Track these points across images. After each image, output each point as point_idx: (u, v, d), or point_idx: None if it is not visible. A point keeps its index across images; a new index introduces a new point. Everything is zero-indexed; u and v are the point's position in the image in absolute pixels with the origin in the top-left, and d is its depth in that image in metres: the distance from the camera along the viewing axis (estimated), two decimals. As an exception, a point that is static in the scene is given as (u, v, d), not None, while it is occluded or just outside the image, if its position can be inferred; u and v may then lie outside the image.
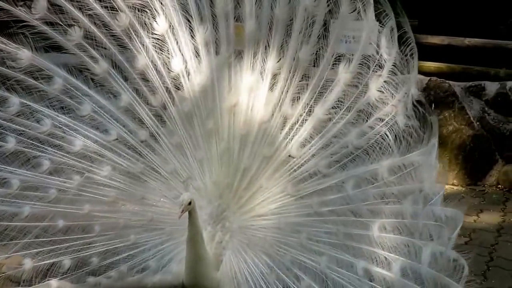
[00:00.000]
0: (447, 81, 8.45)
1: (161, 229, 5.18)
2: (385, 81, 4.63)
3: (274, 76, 5.01)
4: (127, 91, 5.30)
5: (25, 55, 5.30)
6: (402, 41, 4.52)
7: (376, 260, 4.60)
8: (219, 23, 5.11)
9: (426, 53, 7.43)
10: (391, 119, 4.64)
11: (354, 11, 4.70)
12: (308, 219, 4.89)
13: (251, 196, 5.04)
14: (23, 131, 5.33)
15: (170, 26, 5.22)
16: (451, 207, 4.46)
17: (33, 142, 5.34)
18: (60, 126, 5.34)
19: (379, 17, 4.57)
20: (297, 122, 4.97)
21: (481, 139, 8.70)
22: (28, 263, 5.23)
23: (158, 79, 5.25)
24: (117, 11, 5.26)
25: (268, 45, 5.01)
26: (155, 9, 5.22)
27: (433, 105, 8.07)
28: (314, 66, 4.91)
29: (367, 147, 4.75)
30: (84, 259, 5.25)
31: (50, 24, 5.33)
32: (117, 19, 5.27)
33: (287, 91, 4.98)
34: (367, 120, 4.75)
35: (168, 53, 5.23)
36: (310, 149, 4.93)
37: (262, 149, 5.03)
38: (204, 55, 5.16)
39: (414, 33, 4.62)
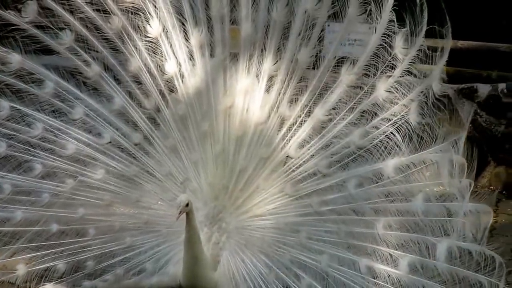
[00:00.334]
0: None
1: (157, 231, 5.18)
2: (396, 81, 4.66)
3: (271, 78, 5.06)
4: (120, 94, 5.30)
5: (15, 58, 5.29)
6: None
7: (380, 258, 4.64)
8: (215, 26, 5.13)
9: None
10: (400, 118, 4.66)
11: (362, 14, 4.74)
12: (308, 219, 4.93)
13: (248, 197, 5.07)
14: (14, 135, 5.31)
15: (164, 29, 5.23)
16: (476, 202, 4.44)
17: (24, 146, 5.32)
18: (52, 129, 5.32)
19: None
20: (296, 123, 5.01)
21: (473, 141, 8.74)
22: (22, 268, 5.20)
23: (152, 82, 5.26)
24: (109, 14, 5.27)
25: (265, 48, 5.05)
26: (149, 12, 5.23)
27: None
28: (314, 68, 4.96)
29: (370, 147, 4.79)
30: (79, 263, 5.24)
31: (41, 27, 5.31)
32: (109, 22, 5.28)
33: (285, 93, 5.02)
34: (371, 120, 4.79)
35: (162, 56, 5.25)
36: (309, 150, 4.96)
37: (259, 150, 5.07)
38: (199, 58, 5.18)
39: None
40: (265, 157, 5.04)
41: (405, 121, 4.63)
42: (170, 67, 5.23)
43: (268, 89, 5.06)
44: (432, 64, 4.52)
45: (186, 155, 5.19)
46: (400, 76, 4.63)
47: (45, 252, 5.25)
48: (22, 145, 5.31)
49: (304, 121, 4.98)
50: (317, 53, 4.94)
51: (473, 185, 4.35)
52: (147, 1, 5.22)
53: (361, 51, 4.83)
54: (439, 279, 4.37)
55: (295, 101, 5.01)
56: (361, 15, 4.72)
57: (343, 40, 4.88)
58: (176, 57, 5.22)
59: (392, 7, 4.56)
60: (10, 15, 5.24)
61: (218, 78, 5.15)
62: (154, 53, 5.27)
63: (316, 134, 4.94)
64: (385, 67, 4.69)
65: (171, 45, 5.23)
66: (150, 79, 5.26)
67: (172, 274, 4.99)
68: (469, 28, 7.76)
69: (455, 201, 4.38)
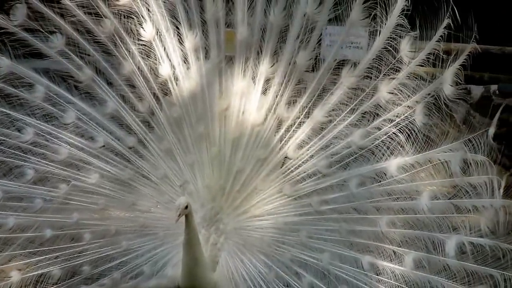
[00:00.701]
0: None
1: (153, 234, 5.18)
2: (400, 83, 4.69)
3: (268, 80, 5.09)
4: (113, 97, 5.28)
5: (4, 63, 5.23)
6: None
7: (383, 255, 4.71)
8: (209, 29, 5.14)
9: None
10: (404, 119, 4.68)
11: (365, 18, 4.75)
12: (308, 218, 4.98)
13: (246, 198, 5.10)
14: (4, 140, 5.25)
15: (157, 32, 5.23)
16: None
17: (15, 152, 5.26)
18: (43, 134, 5.28)
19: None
20: (294, 124, 5.04)
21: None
22: (16, 275, 5.15)
23: (145, 85, 5.26)
24: (101, 17, 5.24)
25: (261, 51, 5.07)
26: (142, 16, 5.22)
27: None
28: (313, 70, 4.99)
29: (372, 147, 4.82)
30: (74, 268, 5.21)
31: (30, 30, 5.25)
32: (101, 26, 5.25)
33: (282, 95, 5.05)
34: (372, 121, 4.82)
35: (156, 59, 5.25)
36: (308, 151, 5.00)
37: (256, 151, 5.10)
38: (193, 61, 5.19)
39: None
40: (263, 158, 5.08)
41: (409, 122, 4.66)
42: (164, 70, 5.23)
43: (265, 91, 5.10)
44: (443, 67, 4.56)
45: (182, 158, 5.19)
46: (406, 78, 4.67)
47: (39, 258, 5.20)
48: (12, 151, 5.25)
49: (303, 122, 5.02)
50: (316, 56, 4.98)
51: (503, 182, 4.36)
52: (140, 5, 5.21)
53: (362, 54, 4.89)
54: (445, 274, 4.44)
55: (293, 102, 5.04)
56: (363, 19, 4.75)
57: (343, 43, 4.92)
58: (170, 60, 5.22)
59: (402, 11, 4.60)
60: (-2, 18, 5.18)
61: (213, 80, 5.16)
62: (147, 56, 5.26)
63: (316, 135, 4.98)
64: (388, 70, 4.73)
65: (165, 48, 5.22)
66: (144, 82, 5.25)
67: (171, 276, 5.00)
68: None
69: (465, 198, 4.43)
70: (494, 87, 8.45)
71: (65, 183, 5.24)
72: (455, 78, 4.50)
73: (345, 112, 4.89)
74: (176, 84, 5.22)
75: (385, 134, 4.75)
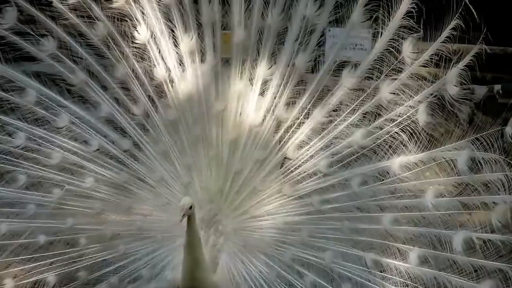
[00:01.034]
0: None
1: (151, 237, 5.14)
2: (403, 84, 4.70)
3: (266, 82, 5.09)
4: (107, 101, 5.23)
5: None
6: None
7: (387, 252, 4.73)
8: (205, 32, 5.14)
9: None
10: (406, 119, 4.68)
11: (366, 20, 4.80)
12: (309, 217, 4.98)
13: (245, 199, 5.09)
14: (-6, 145, 5.15)
15: (152, 35, 5.21)
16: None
17: (6, 157, 5.19)
18: (35, 138, 5.22)
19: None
20: (293, 125, 5.05)
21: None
22: (9, 283, 5.10)
23: (140, 88, 5.23)
24: (94, 20, 5.20)
25: (258, 53, 5.09)
26: (136, 19, 5.21)
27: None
28: (313, 71, 5.01)
29: (374, 146, 4.83)
30: (70, 274, 5.15)
31: (21, 34, 5.18)
32: (94, 29, 5.21)
33: (281, 96, 5.05)
34: (374, 121, 4.83)
35: (150, 62, 5.22)
36: (308, 151, 5.00)
37: (254, 152, 5.10)
38: (189, 63, 5.18)
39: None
40: (262, 159, 5.08)
41: (412, 121, 4.67)
42: (159, 73, 5.21)
43: (262, 93, 5.11)
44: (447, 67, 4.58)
45: (178, 160, 5.16)
46: (408, 79, 4.70)
47: (33, 264, 5.15)
48: (3, 156, 5.18)
49: (303, 123, 5.02)
50: (316, 58, 5.00)
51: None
52: (134, 8, 5.20)
53: (364, 55, 4.94)
54: (452, 270, 4.46)
55: (293, 104, 5.05)
56: (365, 21, 4.80)
57: (344, 45, 4.95)
58: (165, 63, 5.21)
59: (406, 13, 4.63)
60: (-13, 22, 5.10)
61: (209, 83, 5.15)
62: (142, 59, 5.24)
63: (316, 135, 4.98)
64: (390, 71, 4.75)
65: (159, 51, 5.21)
66: (138, 85, 5.23)
67: (171, 279, 4.98)
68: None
69: (473, 195, 4.44)
70: (497, 87, 8.34)
71: (59, 188, 5.17)
72: (459, 78, 4.53)
73: (346, 112, 4.90)
74: (172, 86, 5.21)
75: (387, 134, 4.77)
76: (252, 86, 5.13)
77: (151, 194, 5.19)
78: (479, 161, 4.40)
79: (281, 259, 4.97)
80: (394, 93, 4.73)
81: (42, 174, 5.18)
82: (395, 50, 4.69)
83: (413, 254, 4.60)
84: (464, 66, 4.52)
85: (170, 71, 5.21)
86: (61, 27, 5.21)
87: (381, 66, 4.76)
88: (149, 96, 5.23)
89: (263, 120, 5.11)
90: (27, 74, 5.24)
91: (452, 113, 4.59)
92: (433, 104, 4.59)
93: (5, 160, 5.17)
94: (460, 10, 4.43)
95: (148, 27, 5.21)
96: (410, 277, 4.61)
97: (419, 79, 4.67)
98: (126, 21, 5.22)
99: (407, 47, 4.65)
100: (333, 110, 4.96)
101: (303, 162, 5.03)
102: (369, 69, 4.82)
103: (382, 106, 4.79)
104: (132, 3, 5.19)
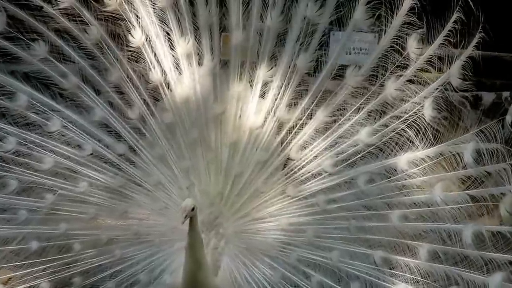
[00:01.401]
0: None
1: (149, 242, 5.07)
2: (408, 80, 4.76)
3: (266, 84, 5.09)
4: (101, 105, 5.17)
5: None
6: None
7: (396, 249, 4.75)
8: (202, 35, 5.12)
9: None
10: (412, 115, 4.72)
11: (368, 18, 4.83)
12: (314, 217, 4.96)
13: (246, 201, 5.06)
14: (-17, 150, 5.02)
15: (147, 38, 5.17)
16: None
17: (-4, 162, 5.05)
18: (26, 143, 5.12)
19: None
20: (296, 126, 5.04)
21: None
22: (1, 290, 4.93)
23: (135, 91, 5.17)
24: (87, 24, 5.15)
25: (258, 55, 5.08)
26: (130, 22, 5.16)
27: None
28: (315, 72, 5.02)
29: (380, 144, 4.86)
30: (64, 281, 5.04)
31: (11, 39, 5.11)
32: (87, 32, 5.16)
33: (282, 98, 5.05)
34: (379, 119, 4.85)
35: (145, 65, 5.18)
36: (311, 151, 5.00)
37: (255, 154, 5.07)
38: (186, 67, 5.15)
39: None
40: (263, 161, 5.06)
41: (418, 117, 4.72)
42: (155, 76, 5.16)
43: (263, 95, 5.10)
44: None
45: (176, 164, 5.11)
46: (413, 76, 4.76)
47: (25, 271, 5.03)
48: (-6, 161, 5.04)
49: (306, 123, 5.02)
50: (318, 58, 5.01)
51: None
52: (128, 11, 5.15)
53: (367, 58, 4.97)
54: (463, 264, 4.49)
55: (295, 104, 5.04)
56: (368, 19, 4.84)
57: (347, 47, 5.02)
58: (161, 66, 5.16)
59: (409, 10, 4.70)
60: (-25, 26, 5.01)
61: (207, 85, 5.13)
62: (136, 62, 5.19)
63: (320, 135, 4.99)
64: (395, 68, 4.80)
65: (155, 54, 5.17)
66: (133, 89, 5.17)
67: (170, 283, 4.92)
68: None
69: (480, 187, 4.51)
70: (506, 94, 8.40)
71: (51, 193, 5.08)
72: (462, 70, 4.60)
73: (350, 111, 4.92)
74: (168, 90, 5.16)
75: (393, 131, 4.80)
76: (252, 88, 5.12)
77: (148, 198, 5.13)
78: (483, 153, 4.48)
79: (286, 260, 4.95)
80: (399, 90, 4.78)
81: (34, 179, 5.08)
82: (399, 47, 4.75)
83: (422, 250, 4.63)
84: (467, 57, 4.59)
85: (166, 74, 5.17)
86: (53, 31, 5.13)
87: (385, 64, 4.81)
88: (144, 100, 5.18)
89: (263, 122, 5.09)
90: (18, 78, 5.16)
91: (455, 106, 4.69)
92: (438, 98, 4.66)
93: (-4, 165, 5.05)
94: (467, 17, 4.55)
95: (143, 30, 5.16)
96: (421, 273, 4.63)
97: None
98: (120, 25, 5.16)
99: (412, 43, 4.71)
100: (337, 110, 4.97)
101: (307, 162, 5.02)
102: (374, 67, 4.86)
103: (388, 104, 4.83)
104: (126, 6, 5.14)
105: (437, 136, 4.69)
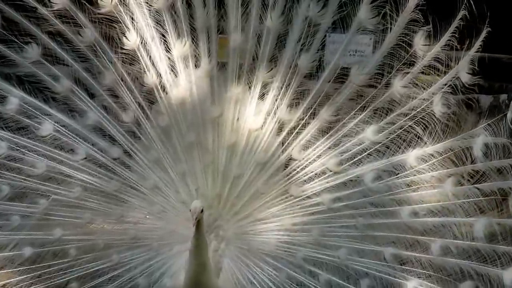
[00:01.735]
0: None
1: (147, 245, 4.98)
2: (415, 77, 4.70)
3: (265, 85, 5.03)
4: (94, 108, 5.09)
5: None
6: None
7: (406, 244, 4.71)
8: (200, 37, 5.06)
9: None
10: (420, 112, 4.67)
11: (374, 17, 4.75)
12: (319, 216, 4.91)
13: (246, 203, 5.00)
14: (-27, 156, 4.90)
15: (142, 41, 5.10)
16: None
17: (-13, 168, 4.93)
18: (18, 148, 5.01)
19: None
20: (297, 126, 4.98)
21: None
22: (-6, 297, 4.79)
23: (129, 94, 5.10)
24: (81, 26, 5.09)
25: (257, 56, 5.02)
26: (125, 24, 5.09)
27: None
28: (317, 72, 4.95)
29: (387, 141, 4.81)
30: (60, 286, 4.91)
31: (3, 41, 5.02)
32: (80, 35, 5.09)
33: (283, 98, 4.98)
34: (385, 117, 4.80)
35: (140, 68, 5.11)
36: (314, 150, 4.94)
37: (254, 156, 5.01)
38: (182, 69, 5.09)
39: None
40: (263, 162, 5.00)
41: (426, 113, 4.67)
42: (150, 79, 5.09)
43: (262, 96, 5.03)
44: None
45: (172, 167, 5.03)
46: (420, 72, 4.72)
47: (19, 278, 4.92)
48: (-16, 166, 4.92)
49: (308, 123, 4.96)
50: (320, 58, 4.96)
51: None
52: (123, 13, 5.08)
53: (366, 61, 4.92)
54: (475, 258, 4.48)
55: (296, 105, 4.97)
56: (372, 18, 4.77)
57: (348, 48, 4.92)
58: (156, 69, 5.10)
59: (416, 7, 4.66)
60: (-33, 29, 4.90)
61: (204, 88, 5.06)
62: (131, 65, 5.11)
63: (323, 135, 4.93)
64: (401, 65, 4.75)
65: (150, 57, 5.10)
66: (128, 92, 5.10)
67: (171, 286, 4.85)
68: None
69: (489, 181, 4.49)
70: (503, 97, 8.36)
71: (45, 198, 4.98)
72: (471, 65, 4.59)
73: (355, 110, 4.86)
74: (164, 92, 5.09)
75: (400, 128, 4.77)
76: (251, 90, 5.05)
77: (145, 202, 5.05)
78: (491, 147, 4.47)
79: (290, 260, 4.91)
80: (406, 87, 4.74)
81: (27, 184, 4.98)
82: (406, 44, 4.72)
83: (435, 245, 4.61)
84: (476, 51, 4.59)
85: (161, 77, 5.10)
86: (46, 34, 5.05)
87: (391, 61, 4.77)
88: (139, 103, 5.10)
89: (263, 123, 5.02)
90: (9, 81, 5.06)
91: (462, 101, 4.68)
92: (447, 93, 4.64)
93: (-14, 171, 4.92)
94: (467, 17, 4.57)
95: (138, 33, 5.09)
96: (433, 268, 4.61)
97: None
98: (114, 27, 5.09)
99: (419, 40, 4.68)
100: (341, 109, 4.92)
101: (310, 162, 4.96)
102: (379, 65, 4.81)
103: (395, 101, 4.79)
104: (121, 8, 5.08)
105: (446, 130, 4.66)
